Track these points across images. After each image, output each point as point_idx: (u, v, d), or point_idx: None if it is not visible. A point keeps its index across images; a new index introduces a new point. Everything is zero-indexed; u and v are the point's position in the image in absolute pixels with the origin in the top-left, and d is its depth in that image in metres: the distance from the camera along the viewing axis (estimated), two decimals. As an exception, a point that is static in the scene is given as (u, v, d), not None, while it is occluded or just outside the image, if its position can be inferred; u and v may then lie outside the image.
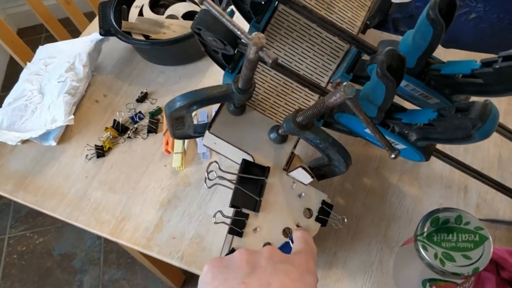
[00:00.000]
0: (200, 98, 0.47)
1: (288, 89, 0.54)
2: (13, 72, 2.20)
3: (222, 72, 0.78)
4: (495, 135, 0.61)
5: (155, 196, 0.65)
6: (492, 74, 0.36)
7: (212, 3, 0.39)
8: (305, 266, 0.38)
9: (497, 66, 0.35)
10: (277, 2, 0.53)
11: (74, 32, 1.20)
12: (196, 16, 0.46)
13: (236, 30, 0.38)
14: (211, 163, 0.52)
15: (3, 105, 0.74)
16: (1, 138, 0.68)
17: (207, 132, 0.52)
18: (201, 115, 0.71)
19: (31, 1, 1.01)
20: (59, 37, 1.10)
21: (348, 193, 0.61)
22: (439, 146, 0.50)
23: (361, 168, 0.63)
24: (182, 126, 0.55)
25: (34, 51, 0.83)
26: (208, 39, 0.48)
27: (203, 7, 0.40)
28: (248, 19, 0.54)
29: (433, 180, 0.60)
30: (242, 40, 0.46)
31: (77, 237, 1.64)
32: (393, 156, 0.39)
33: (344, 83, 0.36)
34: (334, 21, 0.50)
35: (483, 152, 0.61)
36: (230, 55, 0.52)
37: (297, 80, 0.49)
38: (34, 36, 1.00)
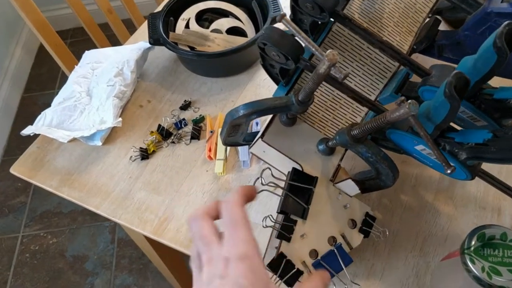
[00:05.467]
0: (262, 108, 0.50)
1: (336, 104, 0.57)
2: (36, 75, 2.25)
3: (261, 85, 0.82)
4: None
5: (197, 199, 0.67)
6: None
7: (289, 20, 0.42)
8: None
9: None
10: (332, 23, 0.57)
11: (111, 37, 1.24)
12: (263, 32, 0.50)
13: (310, 46, 0.42)
14: (264, 169, 0.54)
15: (53, 104, 0.78)
16: (52, 135, 0.71)
17: (259, 140, 0.55)
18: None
19: (74, 6, 1.06)
20: (98, 42, 1.14)
21: (386, 208, 0.63)
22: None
23: (398, 185, 0.65)
24: (235, 134, 0.58)
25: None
26: (272, 54, 0.51)
27: (281, 24, 0.43)
28: (304, 37, 0.57)
29: (467, 201, 0.63)
30: (310, 56, 0.49)
31: (91, 240, 1.66)
32: (449, 171, 0.41)
33: (409, 101, 0.39)
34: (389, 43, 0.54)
35: (516, 177, 0.64)
36: (286, 69, 0.55)
37: (352, 95, 0.52)
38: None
